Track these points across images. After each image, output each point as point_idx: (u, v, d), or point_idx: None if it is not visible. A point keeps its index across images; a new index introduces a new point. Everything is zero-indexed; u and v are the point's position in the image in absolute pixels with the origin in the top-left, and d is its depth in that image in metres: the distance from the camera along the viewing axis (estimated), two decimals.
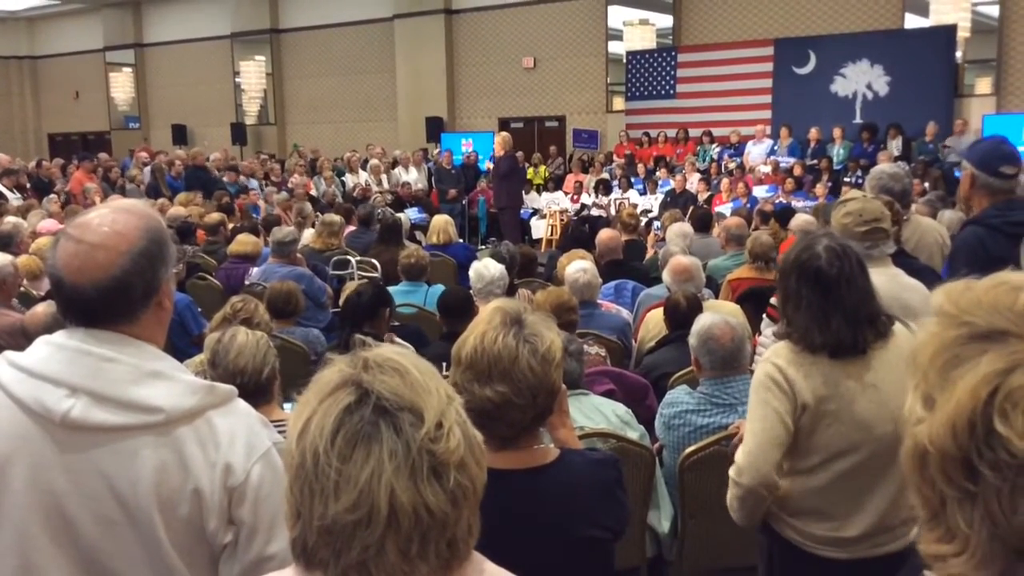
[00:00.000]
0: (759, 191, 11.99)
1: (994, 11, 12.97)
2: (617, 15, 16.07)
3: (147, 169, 14.04)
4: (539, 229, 13.47)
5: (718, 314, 3.45)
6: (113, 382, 1.46)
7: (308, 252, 7.20)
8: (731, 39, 14.78)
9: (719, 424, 3.19)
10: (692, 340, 3.29)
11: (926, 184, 10.34)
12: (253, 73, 20.52)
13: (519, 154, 13.55)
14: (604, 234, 6.48)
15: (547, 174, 15.35)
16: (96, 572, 1.48)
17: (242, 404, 1.59)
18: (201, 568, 1.50)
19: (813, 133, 13.08)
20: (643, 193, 13.22)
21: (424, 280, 5.93)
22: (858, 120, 13.33)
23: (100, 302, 1.47)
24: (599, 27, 16.22)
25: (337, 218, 8.11)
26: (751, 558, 2.67)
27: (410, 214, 12.31)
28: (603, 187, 13.45)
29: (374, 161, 14.76)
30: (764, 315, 4.04)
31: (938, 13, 13.18)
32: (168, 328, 1.64)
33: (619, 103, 16.14)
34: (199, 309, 5.58)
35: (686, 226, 7.16)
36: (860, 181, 10.12)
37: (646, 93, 15.43)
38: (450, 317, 4.49)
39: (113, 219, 1.51)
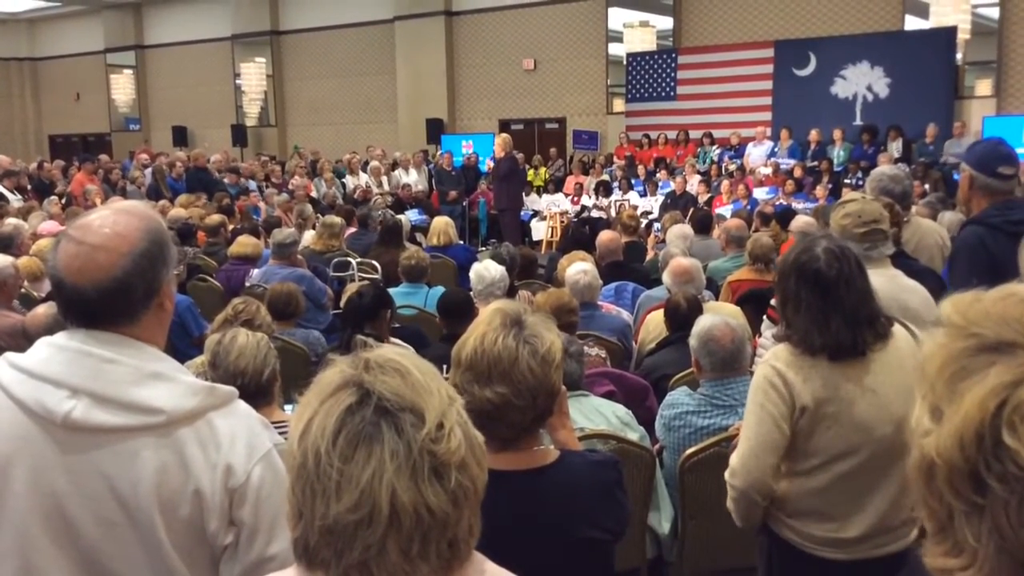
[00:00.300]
0: (759, 193, 11.99)
1: (994, 13, 12.97)
2: (617, 17, 16.07)
3: (148, 171, 14.03)
4: (539, 231, 13.46)
5: (718, 315, 3.45)
6: (114, 383, 1.46)
7: (308, 254, 7.20)
8: (731, 41, 14.79)
9: (719, 425, 3.19)
10: (692, 341, 3.30)
11: (926, 186, 10.32)
12: (253, 75, 20.52)
13: (519, 156, 13.55)
14: (604, 236, 6.49)
15: (547, 176, 15.35)
16: (96, 573, 1.48)
17: (243, 405, 1.59)
18: (202, 569, 1.50)
19: (813, 135, 13.07)
20: (643, 195, 13.23)
21: (424, 282, 5.93)
22: (858, 122, 13.33)
23: (101, 303, 1.47)
24: (599, 29, 16.23)
25: (338, 220, 8.12)
26: (751, 559, 2.67)
27: (410, 216, 12.28)
28: (603, 189, 13.44)
29: (374, 163, 14.77)
30: (764, 317, 4.04)
31: (938, 15, 13.19)
32: (169, 329, 1.64)
33: (619, 105, 16.14)
34: (199, 310, 5.58)
35: (686, 228, 7.17)
36: (860, 183, 10.12)
37: (646, 95, 15.44)
38: (450, 319, 4.49)
39: (114, 220, 1.51)
